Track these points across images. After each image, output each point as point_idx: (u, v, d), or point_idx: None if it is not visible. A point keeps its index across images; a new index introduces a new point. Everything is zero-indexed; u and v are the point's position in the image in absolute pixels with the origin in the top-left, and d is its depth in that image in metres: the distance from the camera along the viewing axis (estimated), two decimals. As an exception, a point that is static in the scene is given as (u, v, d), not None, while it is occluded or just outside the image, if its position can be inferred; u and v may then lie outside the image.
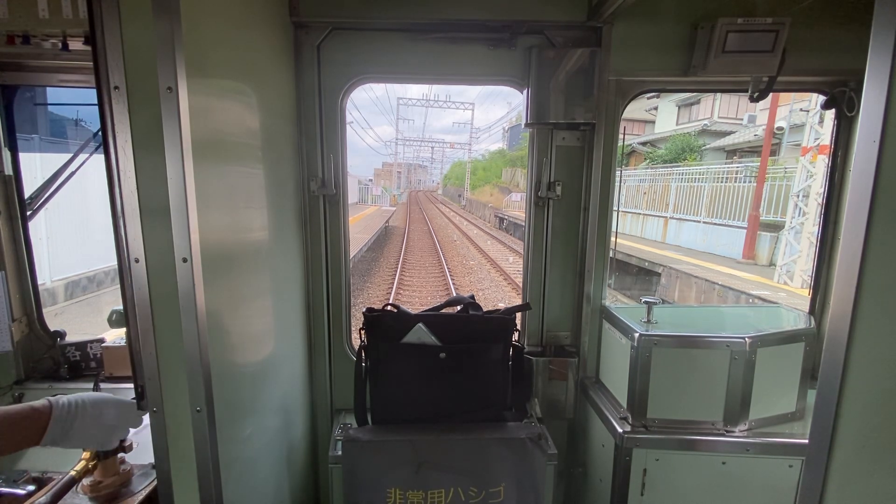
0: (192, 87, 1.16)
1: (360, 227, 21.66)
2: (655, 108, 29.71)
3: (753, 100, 2.26)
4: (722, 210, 14.40)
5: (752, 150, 20.20)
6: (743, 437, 2.03)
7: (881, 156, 0.74)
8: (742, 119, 23.51)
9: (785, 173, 12.94)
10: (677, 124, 27.70)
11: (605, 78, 2.20)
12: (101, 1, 1.08)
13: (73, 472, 1.37)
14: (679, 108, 27.82)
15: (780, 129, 15.74)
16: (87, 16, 1.12)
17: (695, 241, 15.03)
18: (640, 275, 12.89)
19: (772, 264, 11.89)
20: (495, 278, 14.09)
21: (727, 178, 15.14)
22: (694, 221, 15.52)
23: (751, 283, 10.16)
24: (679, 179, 17.14)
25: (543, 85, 2.22)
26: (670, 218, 16.81)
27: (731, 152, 22.20)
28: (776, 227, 12.33)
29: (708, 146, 23.59)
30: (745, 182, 14.38)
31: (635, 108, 29.26)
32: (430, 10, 2.15)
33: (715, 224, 14.52)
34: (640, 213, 18.95)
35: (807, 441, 0.90)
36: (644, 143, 27.62)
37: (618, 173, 2.46)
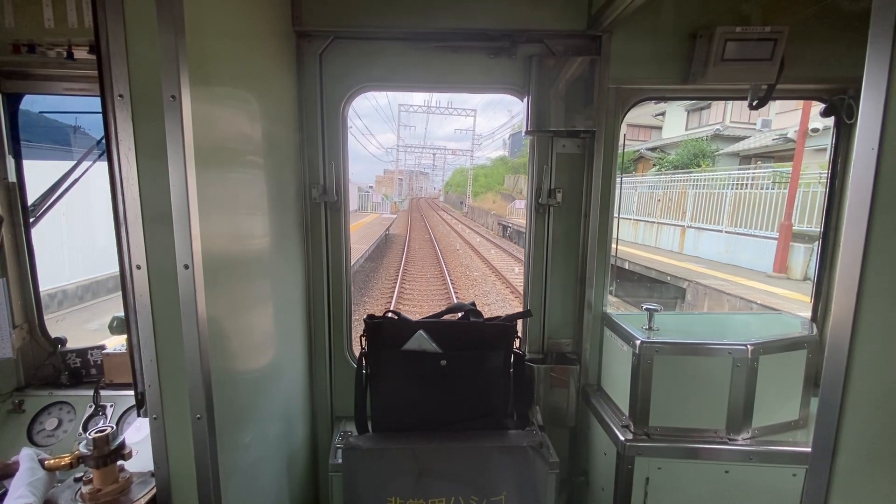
0: (196, 96, 1.17)
1: (358, 237, 20.48)
2: (662, 114, 28.88)
3: (753, 107, 2.27)
4: (747, 219, 13.04)
5: (768, 155, 19.17)
6: (746, 446, 2.01)
7: (879, 163, 0.74)
8: (755, 124, 22.47)
9: (820, 179, 11.41)
10: (686, 129, 26.53)
11: (604, 86, 2.22)
12: (107, 11, 1.10)
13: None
14: (688, 112, 26.70)
15: (816, 130, 13.25)
16: (92, 25, 1.14)
17: (717, 252, 13.73)
18: (661, 290, 11.73)
19: (807, 279, 10.60)
20: (501, 290, 13.39)
21: (752, 185, 13.88)
22: (715, 231, 14.20)
23: (792, 301, 8.94)
24: (698, 186, 15.87)
25: (543, 93, 2.24)
26: (688, 227, 15.49)
27: (746, 158, 21.06)
28: (810, 238, 11.02)
29: (721, 151, 22.46)
30: (770, 189, 13.02)
31: (640, 114, 28.77)
32: (432, 19, 2.17)
33: (739, 234, 13.17)
34: (653, 222, 17.60)
35: (810, 449, 0.90)
36: (653, 149, 26.64)
37: (618, 180, 2.47)
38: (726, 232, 13.73)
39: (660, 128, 29.85)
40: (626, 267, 13.18)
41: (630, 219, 18.78)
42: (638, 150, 26.24)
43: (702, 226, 14.96)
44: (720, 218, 14.21)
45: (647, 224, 17.89)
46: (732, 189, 14.12)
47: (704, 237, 14.65)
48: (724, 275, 11.39)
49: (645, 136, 30.54)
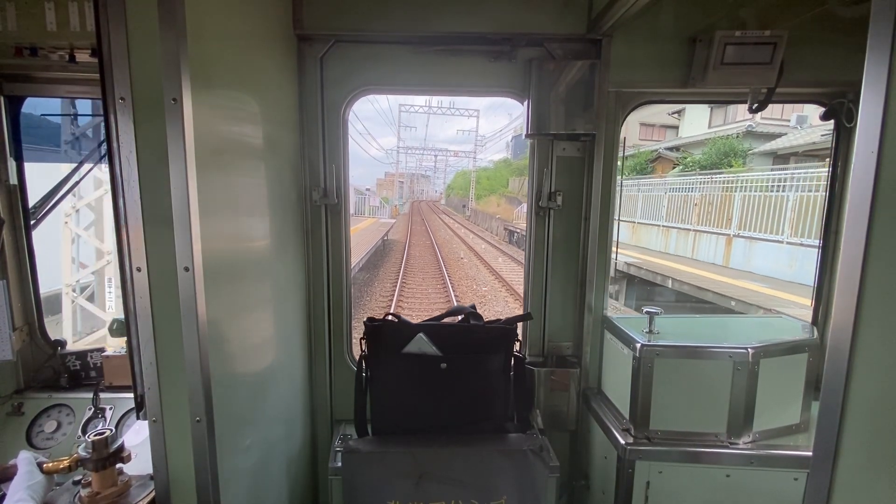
0: (197, 99, 1.17)
1: (352, 244, 17.88)
2: (678, 113, 26.63)
3: (752, 111, 2.28)
4: (819, 228, 9.78)
5: (814, 154, 17.01)
6: (747, 450, 2.01)
7: (879, 166, 0.74)
8: (789, 120, 20.53)
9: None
10: (710, 127, 24.12)
11: (604, 89, 2.22)
12: (109, 14, 1.11)
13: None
14: (712, 109, 24.38)
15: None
16: (94, 28, 1.14)
17: (776, 267, 11.24)
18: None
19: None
20: (516, 311, 10.73)
21: (815, 187, 11.24)
22: (773, 241, 11.63)
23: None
24: (746, 188, 13.28)
25: (544, 96, 2.24)
26: (735, 236, 12.86)
27: (784, 157, 18.68)
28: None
29: (755, 150, 20.07)
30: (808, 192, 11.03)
31: (654, 113, 27.18)
32: (432, 23, 2.18)
33: (807, 246, 10.60)
34: (689, 230, 14.98)
35: (811, 453, 0.89)
36: (672, 149, 24.64)
37: (617, 183, 2.47)
38: (788, 243, 11.25)
39: (675, 127, 28.39)
40: (670, 285, 11.57)
41: (659, 225, 16.80)
42: (656, 150, 24.72)
43: (754, 235, 12.24)
44: (779, 226, 11.60)
45: (680, 231, 15.44)
46: (798, 192, 11.51)
47: (758, 249, 12.14)
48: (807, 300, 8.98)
49: (659, 136, 29.20)
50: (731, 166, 18.81)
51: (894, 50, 0.71)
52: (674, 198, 16.44)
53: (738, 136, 21.26)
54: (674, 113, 27.40)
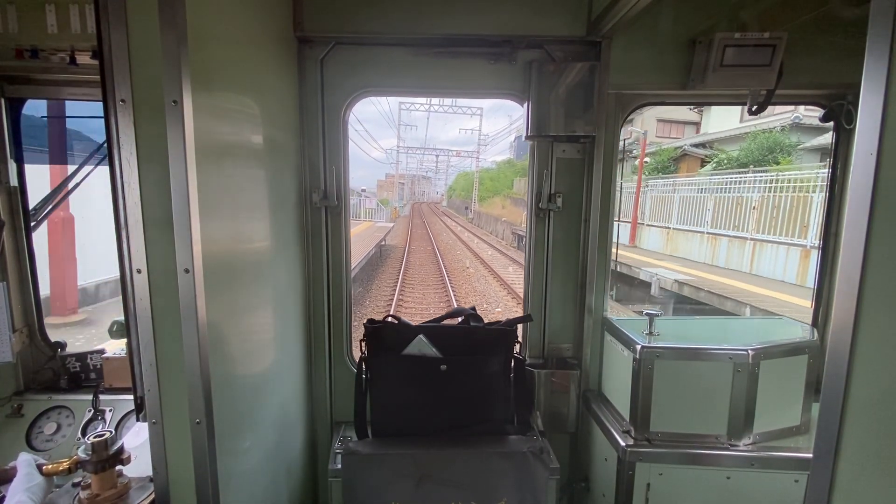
0: (197, 101, 1.17)
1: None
2: (699, 108, 24.46)
3: (752, 113, 2.28)
4: None
5: None
6: (747, 451, 2.00)
7: (878, 168, 0.75)
8: None
9: None
10: (742, 121, 21.42)
11: (604, 91, 2.23)
12: (109, 16, 1.11)
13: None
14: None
15: None
16: (95, 31, 1.15)
17: None
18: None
19: None
20: None
21: None
22: None
23: None
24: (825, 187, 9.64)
25: (543, 98, 2.25)
26: (813, 247, 10.40)
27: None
28: None
29: (804, 145, 17.71)
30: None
31: (673, 108, 24.23)
32: (432, 26, 2.19)
33: None
34: (745, 238, 12.48)
35: (812, 455, 0.89)
36: (700, 145, 22.55)
37: (618, 183, 2.48)
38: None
39: (695, 123, 26.65)
40: (748, 314, 9.09)
41: (702, 232, 14.29)
42: (680, 147, 23.05)
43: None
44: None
45: (732, 240, 13.04)
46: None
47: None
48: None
49: (677, 133, 27.50)
50: (778, 163, 16.63)
51: (893, 52, 0.72)
52: (721, 199, 13.80)
53: (782, 130, 18.92)
54: (695, 108, 25.35)
